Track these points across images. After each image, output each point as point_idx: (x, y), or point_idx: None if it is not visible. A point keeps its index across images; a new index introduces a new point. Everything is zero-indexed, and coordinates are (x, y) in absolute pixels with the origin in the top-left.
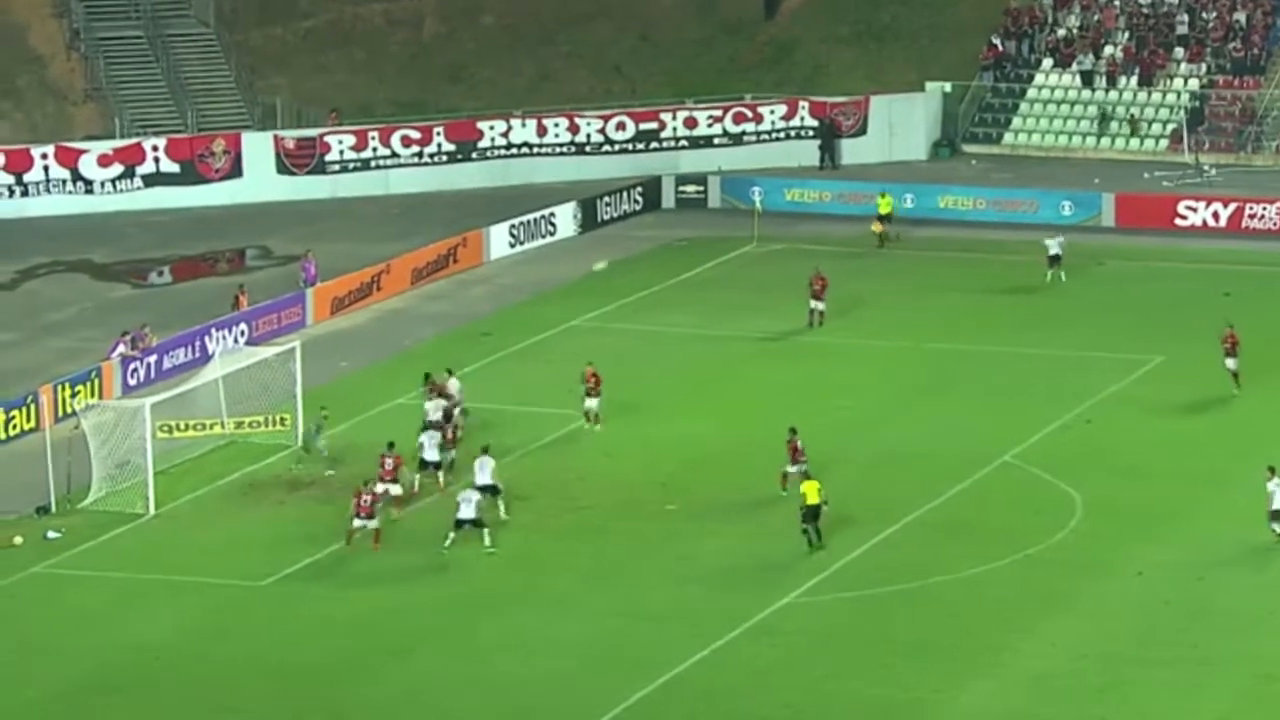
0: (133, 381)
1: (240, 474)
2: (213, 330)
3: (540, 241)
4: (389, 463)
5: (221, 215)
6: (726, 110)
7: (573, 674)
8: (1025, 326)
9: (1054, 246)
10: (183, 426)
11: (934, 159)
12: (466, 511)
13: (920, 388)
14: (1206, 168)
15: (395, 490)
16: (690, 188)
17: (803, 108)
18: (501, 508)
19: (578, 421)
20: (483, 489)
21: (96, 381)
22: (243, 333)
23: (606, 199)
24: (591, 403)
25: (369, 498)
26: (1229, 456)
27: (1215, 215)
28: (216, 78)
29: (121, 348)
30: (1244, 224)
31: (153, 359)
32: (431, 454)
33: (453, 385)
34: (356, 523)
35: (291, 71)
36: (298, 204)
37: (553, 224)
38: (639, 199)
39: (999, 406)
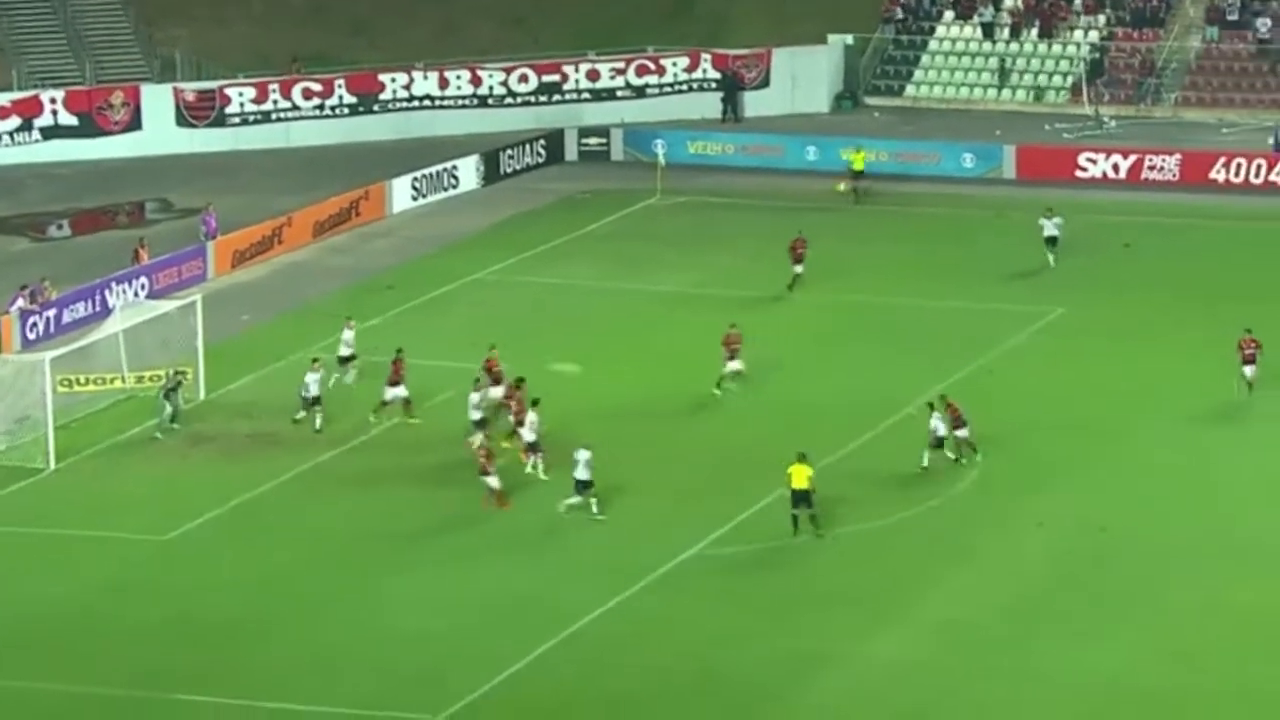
0: (32, 336)
1: (141, 429)
2: (113, 284)
3: (443, 194)
4: (483, 454)
5: (121, 168)
6: (629, 63)
7: (478, 628)
8: (927, 278)
9: (1050, 227)
10: (83, 381)
11: (837, 111)
12: (583, 473)
13: (823, 339)
14: (1106, 120)
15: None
16: (593, 140)
17: (705, 60)
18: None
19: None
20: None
21: None
22: (143, 286)
23: (509, 152)
24: (735, 364)
25: (484, 453)
26: (1129, 408)
27: (1115, 167)
28: (115, 29)
29: (20, 302)
30: (1143, 175)
31: (52, 313)
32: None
33: (347, 334)
34: (492, 482)
35: (191, 23)
36: (198, 157)
37: (455, 177)
38: (542, 152)
39: (900, 358)
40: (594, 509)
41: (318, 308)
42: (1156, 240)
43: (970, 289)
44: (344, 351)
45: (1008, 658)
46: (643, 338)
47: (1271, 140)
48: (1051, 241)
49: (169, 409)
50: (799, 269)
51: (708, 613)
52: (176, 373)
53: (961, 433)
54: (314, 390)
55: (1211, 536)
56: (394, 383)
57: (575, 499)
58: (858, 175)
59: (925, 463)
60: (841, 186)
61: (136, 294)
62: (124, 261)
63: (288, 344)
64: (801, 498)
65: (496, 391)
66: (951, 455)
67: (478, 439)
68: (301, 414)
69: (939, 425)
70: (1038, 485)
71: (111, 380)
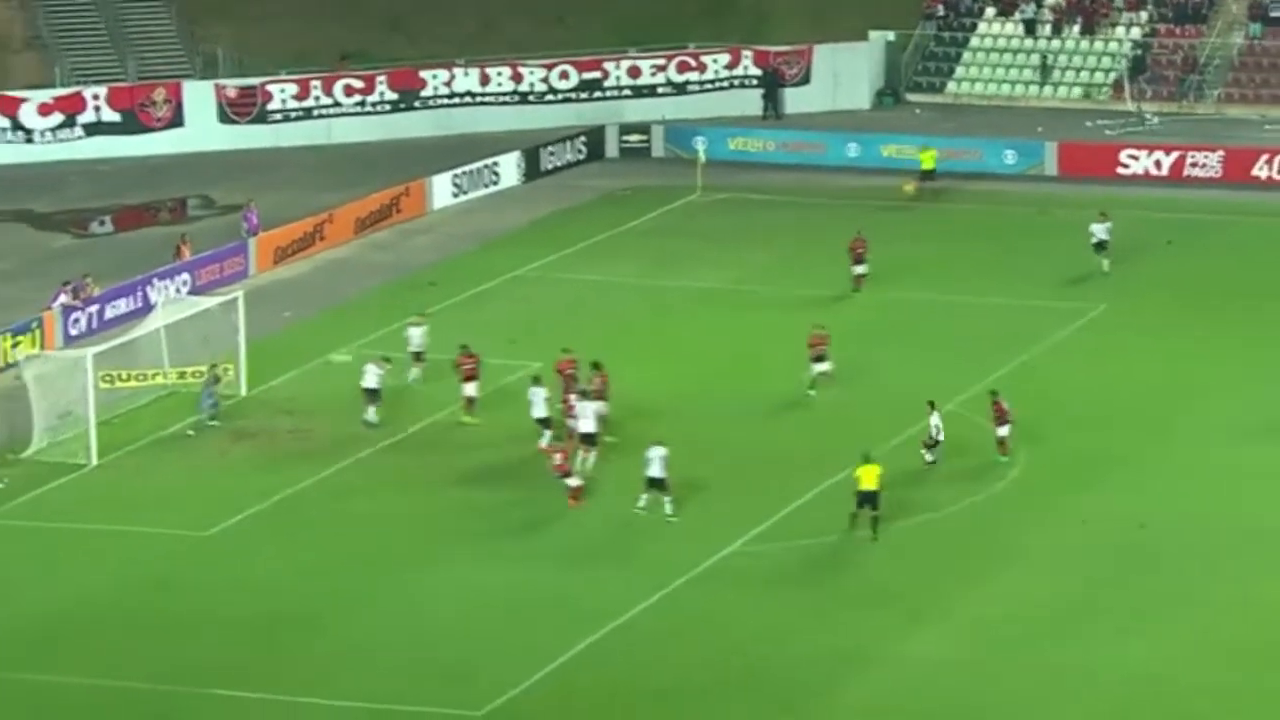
0: (74, 332)
1: (183, 424)
2: (155, 280)
3: (483, 191)
4: (558, 454)
5: (163, 164)
6: (670, 59)
7: (518, 624)
8: (969, 275)
9: (1100, 232)
10: (125, 377)
11: (878, 108)
12: (656, 470)
13: (864, 336)
14: (1148, 116)
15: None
16: (634, 137)
17: (746, 57)
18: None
19: (521, 370)
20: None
21: (38, 332)
22: (185, 283)
23: (550, 148)
24: (823, 366)
25: (560, 455)
26: (1170, 404)
27: (1157, 164)
28: (158, 26)
29: (63, 298)
30: (1186, 172)
31: (94, 309)
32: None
33: (414, 332)
34: (572, 482)
35: (233, 20)
36: (240, 153)
37: (496, 173)
38: (582, 148)
39: (943, 355)
40: (668, 509)
41: (359, 304)
42: (1199, 237)
43: (1012, 286)
44: (414, 348)
45: (1049, 655)
46: (682, 334)
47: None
48: (1101, 246)
49: (209, 404)
50: (861, 269)
51: (748, 609)
52: (212, 367)
53: (1002, 431)
54: (372, 382)
55: (1253, 533)
56: (468, 379)
57: (646, 498)
58: (927, 175)
59: (930, 458)
60: (910, 187)
61: (178, 290)
62: (166, 258)
63: (329, 340)
64: (868, 498)
65: (598, 408)
66: (1003, 457)
67: (545, 439)
68: (371, 411)
69: (937, 425)
70: (1080, 482)
71: (153, 376)
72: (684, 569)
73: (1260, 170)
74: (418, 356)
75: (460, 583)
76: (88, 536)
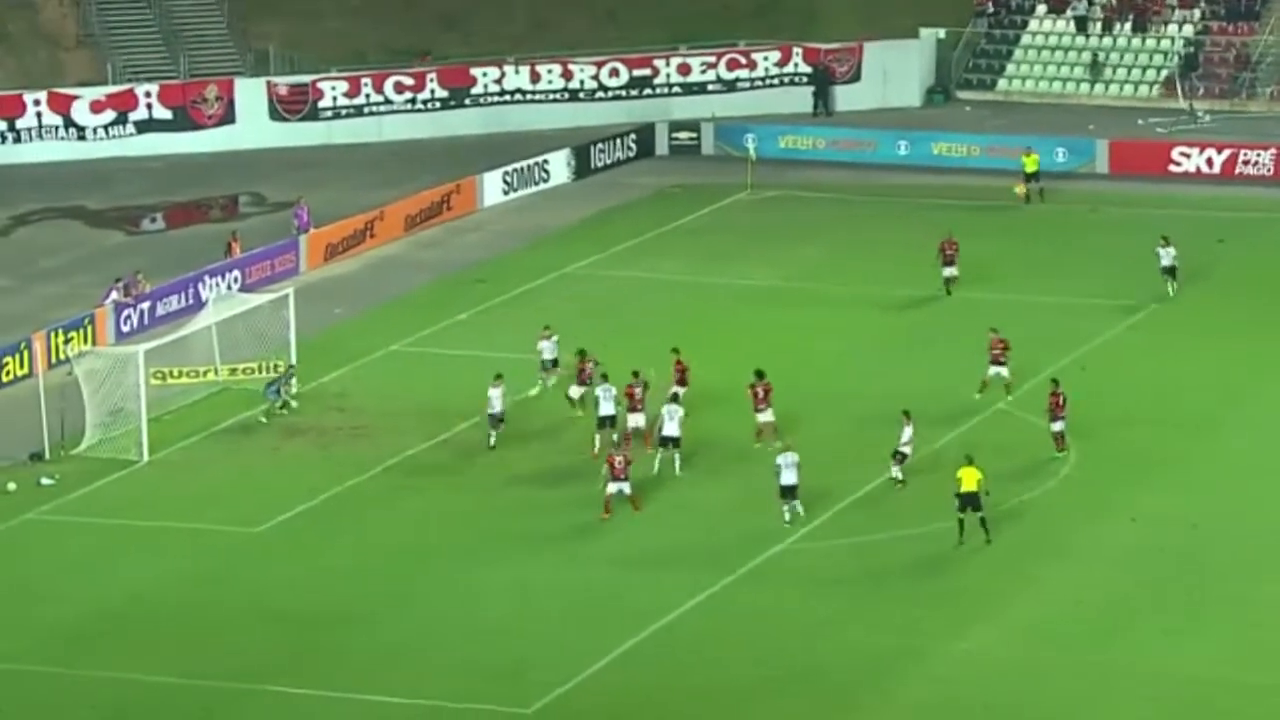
0: (126, 328)
1: (234, 421)
2: (206, 277)
3: (534, 188)
4: (618, 460)
5: (214, 162)
6: (720, 57)
7: (567, 621)
8: (1019, 274)
9: (1166, 258)
10: (176, 373)
11: (928, 105)
12: (789, 477)
13: (914, 334)
14: (1200, 114)
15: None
16: (684, 134)
17: (796, 54)
18: (678, 463)
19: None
20: (665, 440)
21: (90, 328)
22: (236, 279)
23: (600, 146)
24: (999, 370)
25: (622, 459)
26: (1222, 403)
27: (1209, 161)
28: (209, 23)
29: (115, 294)
30: (1238, 170)
31: (146, 306)
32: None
33: (545, 345)
34: (612, 487)
35: (284, 18)
36: (291, 150)
37: (546, 171)
38: (633, 146)
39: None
40: (800, 510)
41: (409, 301)
42: (1250, 236)
43: (1063, 284)
44: (546, 356)
45: (1100, 655)
46: (732, 332)
47: None
48: (1170, 272)
49: (281, 398)
50: (951, 270)
51: (798, 607)
52: (289, 366)
53: (1057, 426)
54: (498, 407)
55: None
56: (581, 383)
57: (787, 506)
58: (1031, 177)
59: (898, 475)
60: (1019, 189)
61: (229, 287)
62: (217, 255)
63: (380, 337)
64: (970, 500)
65: (765, 417)
66: (1058, 453)
67: (602, 441)
68: (493, 436)
69: (908, 438)
70: (1130, 480)
71: (205, 373)
72: (734, 567)
73: None
74: (554, 364)
75: (510, 581)
76: (139, 533)
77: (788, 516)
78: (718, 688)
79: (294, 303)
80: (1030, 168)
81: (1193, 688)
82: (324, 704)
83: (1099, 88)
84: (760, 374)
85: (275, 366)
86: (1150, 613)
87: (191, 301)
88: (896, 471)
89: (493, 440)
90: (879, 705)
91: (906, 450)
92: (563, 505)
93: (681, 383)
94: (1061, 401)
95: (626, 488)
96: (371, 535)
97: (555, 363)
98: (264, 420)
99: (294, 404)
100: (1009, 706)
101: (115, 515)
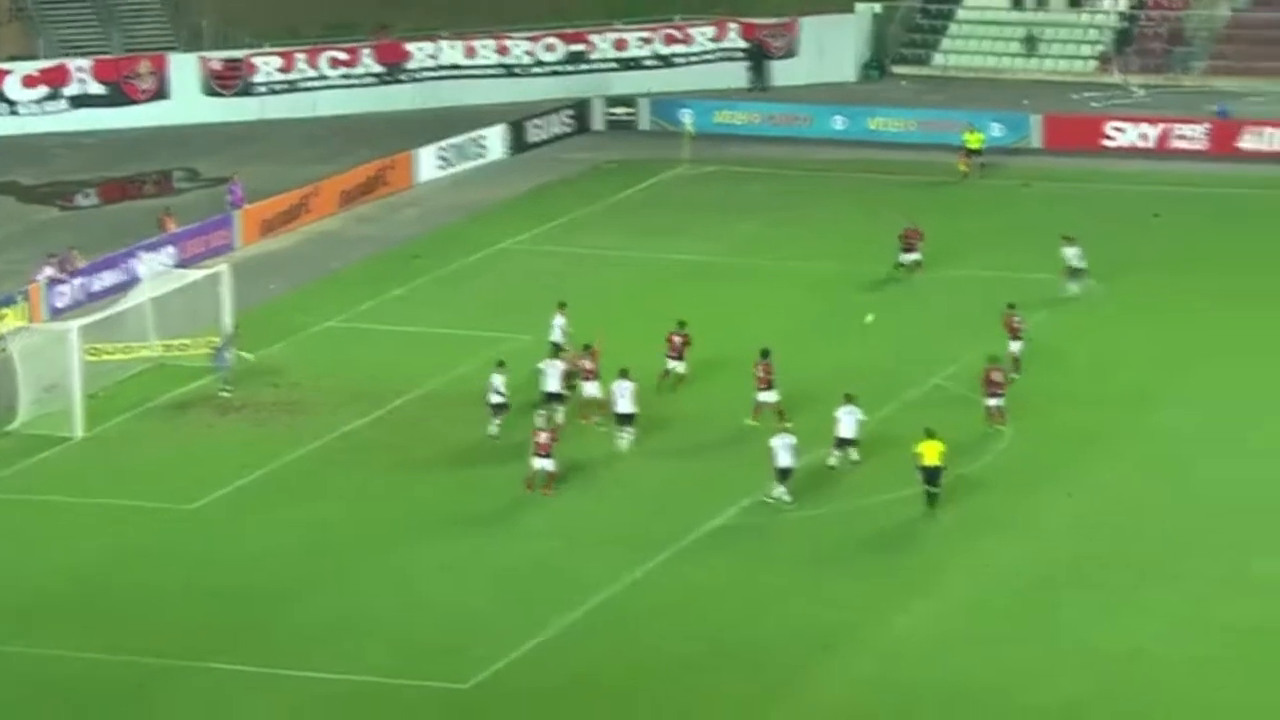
0: (60, 304)
1: (169, 397)
2: (141, 253)
3: (469, 164)
4: (544, 438)
5: (148, 137)
6: (656, 31)
7: (505, 597)
8: (955, 249)
9: (1073, 259)
10: (111, 349)
11: (864, 81)
12: (785, 459)
13: (849, 310)
14: (1135, 88)
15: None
16: (620, 110)
17: (732, 29)
18: (629, 439)
19: (506, 343)
20: (621, 417)
21: (24, 304)
22: (171, 255)
23: (536, 121)
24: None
25: (547, 437)
26: (1158, 377)
27: (1143, 136)
28: None
29: (49, 270)
30: (1171, 144)
31: (80, 282)
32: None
33: (559, 320)
34: (536, 464)
35: None
36: (225, 126)
37: (482, 146)
38: (569, 121)
39: (930, 328)
40: (786, 497)
41: (345, 277)
42: (1185, 210)
43: (998, 259)
44: (557, 337)
45: (1035, 628)
46: (668, 306)
47: (1216, 108)
48: (1076, 273)
49: (223, 365)
50: (912, 256)
51: (735, 582)
52: (229, 333)
53: (995, 401)
54: (500, 396)
55: (1239, 507)
56: (587, 377)
57: (781, 489)
58: (973, 153)
59: (834, 462)
60: (963, 165)
61: (164, 263)
62: (151, 231)
63: (315, 313)
64: (934, 474)
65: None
66: (1000, 426)
67: (543, 418)
68: (495, 426)
69: (845, 421)
70: (1067, 455)
71: (139, 349)
72: (670, 542)
73: (1246, 142)
74: (558, 347)
75: (448, 557)
76: (73, 509)
77: (788, 498)
78: (656, 663)
79: (229, 279)
80: (973, 144)
81: (1129, 660)
82: (259, 680)
83: (1034, 62)
84: (765, 353)
85: (211, 343)
86: (1087, 586)
87: (126, 278)
88: (835, 459)
89: (495, 430)
90: (819, 680)
91: (849, 435)
92: (502, 482)
93: (678, 357)
94: (999, 378)
95: (549, 465)
96: (307, 512)
97: (562, 346)
98: (227, 393)
99: (229, 390)
100: (948, 681)
101: (49, 492)
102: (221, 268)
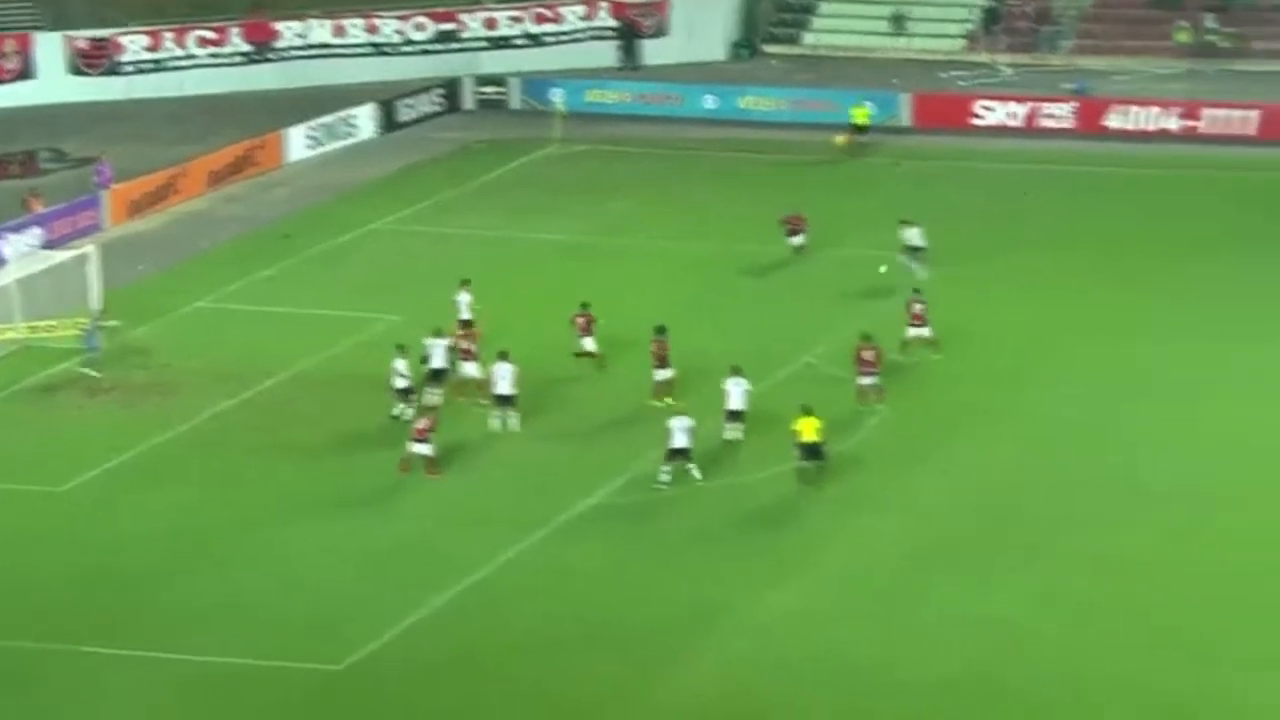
0: None
1: (36, 379)
2: (6, 234)
3: (339, 143)
4: (422, 422)
5: (12, 117)
6: (526, 10)
7: (380, 578)
8: (827, 227)
9: (914, 238)
10: None
11: (734, 60)
12: (680, 440)
13: (721, 288)
14: (1002, 68)
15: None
16: (490, 89)
17: (603, 8)
18: (515, 419)
19: (377, 324)
20: (500, 399)
21: None
22: (37, 237)
23: (406, 100)
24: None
25: (426, 422)
26: (1028, 355)
27: (1011, 115)
28: None
29: None
30: (1039, 123)
31: None
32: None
33: (464, 297)
34: (412, 447)
35: None
36: (91, 105)
37: (352, 126)
38: (439, 100)
39: (800, 307)
40: (695, 474)
41: (214, 257)
42: (1052, 188)
43: (869, 237)
44: (463, 314)
45: (909, 605)
46: (540, 286)
47: (1074, 86)
48: (916, 252)
49: (92, 346)
50: (798, 240)
51: (608, 562)
52: (98, 312)
53: (868, 380)
54: (404, 380)
55: (1109, 485)
56: (465, 357)
57: (668, 468)
58: (859, 130)
59: (730, 435)
60: (840, 139)
61: (30, 244)
62: (17, 212)
63: (185, 294)
64: (812, 451)
65: (666, 374)
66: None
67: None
68: (400, 408)
69: (734, 393)
70: (940, 433)
71: (5, 331)
72: (544, 522)
73: (1112, 121)
74: (466, 324)
75: (320, 539)
76: None
77: (668, 477)
78: (532, 643)
79: (97, 259)
80: (860, 119)
81: (1000, 634)
82: (134, 664)
83: (903, 41)
84: (660, 330)
85: (79, 324)
86: (959, 562)
87: None
88: (730, 432)
89: (407, 413)
90: (695, 658)
91: (738, 408)
92: (377, 464)
93: (587, 332)
94: (870, 356)
95: (426, 449)
96: (178, 494)
97: (471, 323)
98: (96, 374)
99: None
100: (823, 657)
101: None
102: (89, 249)
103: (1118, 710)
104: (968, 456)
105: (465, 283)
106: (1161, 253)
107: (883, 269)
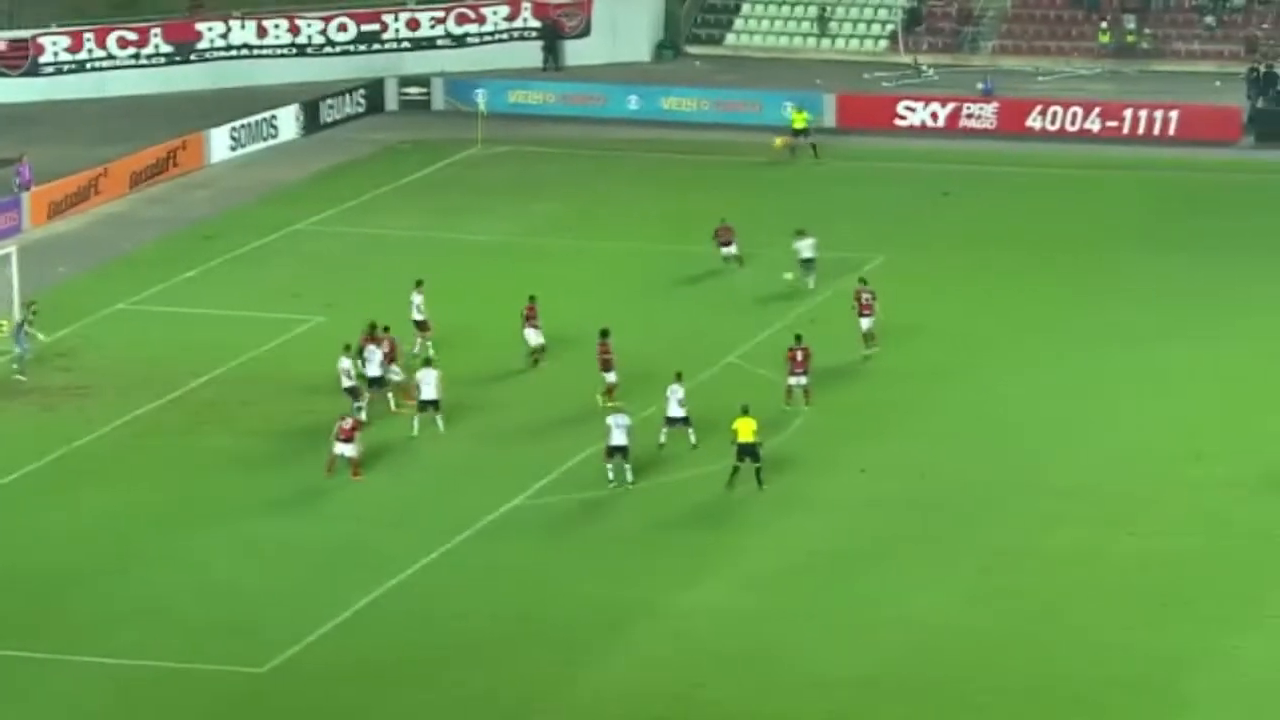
0: None
1: None
2: None
3: (262, 144)
4: (347, 424)
5: None
6: (449, 11)
7: (301, 580)
8: (748, 228)
9: (806, 249)
10: None
11: (658, 60)
12: (619, 438)
13: (645, 289)
14: (924, 68)
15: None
16: (413, 90)
17: (526, 9)
18: (440, 423)
19: (301, 325)
20: (425, 404)
21: None
22: None
23: (329, 101)
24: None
25: (350, 422)
26: (950, 353)
27: (934, 115)
28: None
29: None
30: (961, 124)
31: None
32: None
33: (417, 299)
34: (337, 449)
35: None
36: (11, 106)
37: (275, 127)
38: (362, 101)
39: (724, 307)
40: (628, 476)
41: (136, 259)
42: (975, 188)
43: (786, 239)
44: (416, 316)
45: (831, 603)
46: (464, 287)
47: (983, 86)
48: (808, 264)
49: (25, 344)
50: (730, 250)
51: (532, 562)
52: (29, 304)
53: (797, 380)
54: (350, 380)
55: (1030, 481)
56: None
57: (610, 465)
58: (798, 133)
59: (664, 440)
60: (779, 142)
61: None
62: None
63: (106, 296)
64: (748, 450)
65: (611, 378)
66: (806, 406)
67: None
68: (359, 406)
69: (673, 400)
70: (861, 432)
71: None
72: (468, 523)
73: (1034, 121)
74: (421, 325)
75: (242, 541)
76: None
77: (611, 475)
78: (453, 643)
79: (16, 261)
80: (798, 123)
81: (922, 633)
82: (53, 666)
83: (826, 42)
84: (604, 333)
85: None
86: (880, 561)
87: None
88: (664, 436)
89: (362, 413)
90: (612, 657)
91: (681, 414)
92: (300, 466)
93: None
94: (801, 356)
95: (350, 450)
96: (98, 497)
97: (424, 324)
98: (21, 377)
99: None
100: (740, 656)
101: None
102: (9, 250)
103: (1038, 707)
104: (890, 454)
105: (419, 284)
106: (1083, 252)
107: (787, 276)
